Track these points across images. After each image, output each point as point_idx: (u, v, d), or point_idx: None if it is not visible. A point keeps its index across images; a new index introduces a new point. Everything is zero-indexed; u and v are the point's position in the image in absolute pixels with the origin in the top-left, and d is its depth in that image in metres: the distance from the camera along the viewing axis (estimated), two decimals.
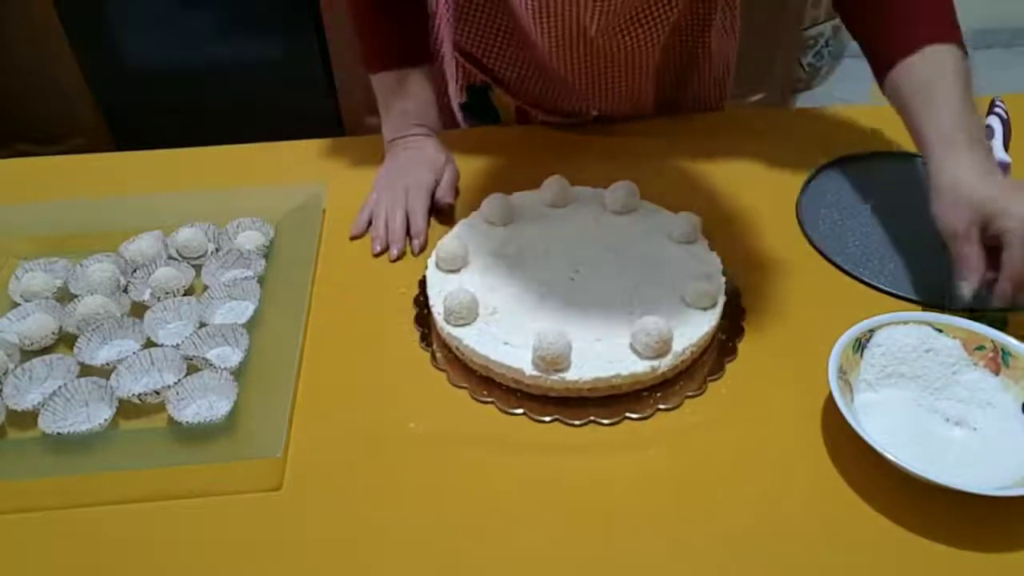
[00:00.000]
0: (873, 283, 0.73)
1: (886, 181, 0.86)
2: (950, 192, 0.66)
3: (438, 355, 0.68)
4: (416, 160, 0.86)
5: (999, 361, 0.61)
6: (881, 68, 0.75)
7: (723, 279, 0.70)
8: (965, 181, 0.65)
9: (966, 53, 0.72)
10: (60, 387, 0.62)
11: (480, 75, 0.95)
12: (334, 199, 0.85)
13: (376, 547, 0.54)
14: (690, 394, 0.63)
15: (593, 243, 0.74)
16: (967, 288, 0.64)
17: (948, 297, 0.67)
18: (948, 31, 0.72)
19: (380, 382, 0.66)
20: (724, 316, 0.68)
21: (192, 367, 0.65)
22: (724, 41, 0.95)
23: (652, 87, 0.93)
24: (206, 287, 0.73)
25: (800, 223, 0.81)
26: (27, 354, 0.68)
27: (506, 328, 0.65)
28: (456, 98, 1.00)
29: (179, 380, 0.63)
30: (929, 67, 0.71)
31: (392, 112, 0.88)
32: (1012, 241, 0.62)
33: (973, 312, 0.64)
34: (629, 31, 0.83)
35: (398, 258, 0.78)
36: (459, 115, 1.02)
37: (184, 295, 0.73)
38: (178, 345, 0.67)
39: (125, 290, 0.74)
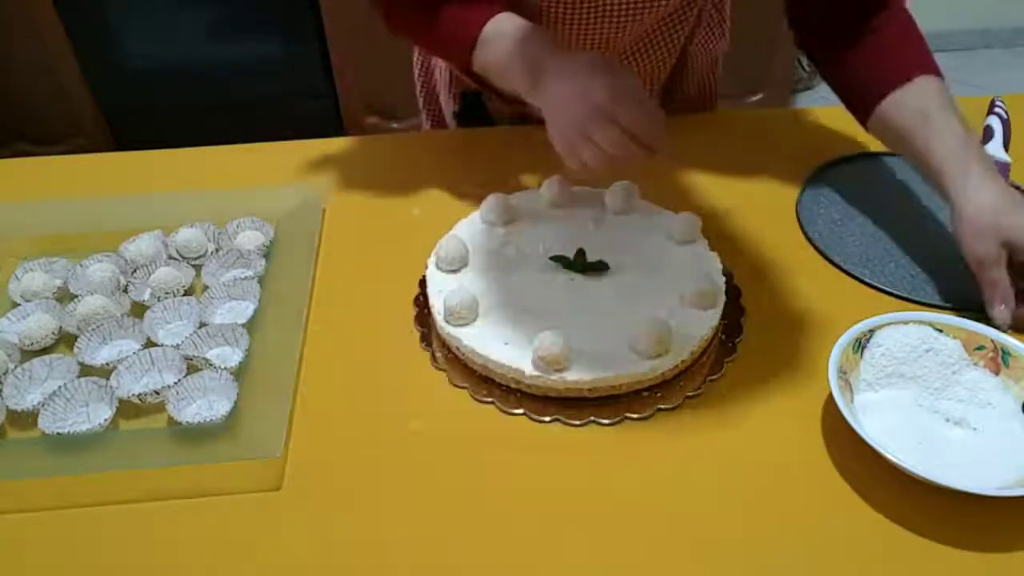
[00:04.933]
0: (873, 283, 0.73)
1: (886, 181, 0.86)
2: (976, 218, 0.66)
3: (438, 355, 0.68)
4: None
5: (999, 361, 0.61)
6: (870, 100, 0.76)
7: (723, 279, 0.70)
8: (989, 207, 0.66)
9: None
10: (60, 387, 0.62)
11: (472, 82, 0.94)
12: (334, 199, 0.85)
13: (376, 547, 0.54)
14: (690, 394, 0.63)
15: (593, 243, 0.74)
16: (1005, 312, 0.65)
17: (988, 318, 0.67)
18: (932, 63, 0.75)
19: (380, 382, 0.66)
20: (724, 316, 0.68)
21: (192, 367, 0.65)
22: (710, 44, 0.95)
23: (658, 92, 0.93)
24: (206, 287, 0.73)
25: (800, 223, 0.81)
26: (27, 354, 0.68)
27: (506, 328, 0.65)
28: (448, 106, 0.99)
29: (179, 380, 0.63)
30: (923, 95, 0.73)
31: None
32: None
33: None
34: (636, 59, 0.84)
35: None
36: (451, 124, 1.01)
37: (184, 295, 0.73)
38: (178, 345, 0.67)
39: (125, 290, 0.74)
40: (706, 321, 0.66)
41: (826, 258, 0.76)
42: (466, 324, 0.66)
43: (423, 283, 0.73)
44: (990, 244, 0.65)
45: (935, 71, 0.74)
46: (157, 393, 0.62)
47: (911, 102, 0.73)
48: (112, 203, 0.85)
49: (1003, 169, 0.86)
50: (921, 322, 0.63)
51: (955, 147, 0.69)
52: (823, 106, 0.98)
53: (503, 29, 0.73)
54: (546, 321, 0.65)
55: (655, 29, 0.84)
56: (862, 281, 0.73)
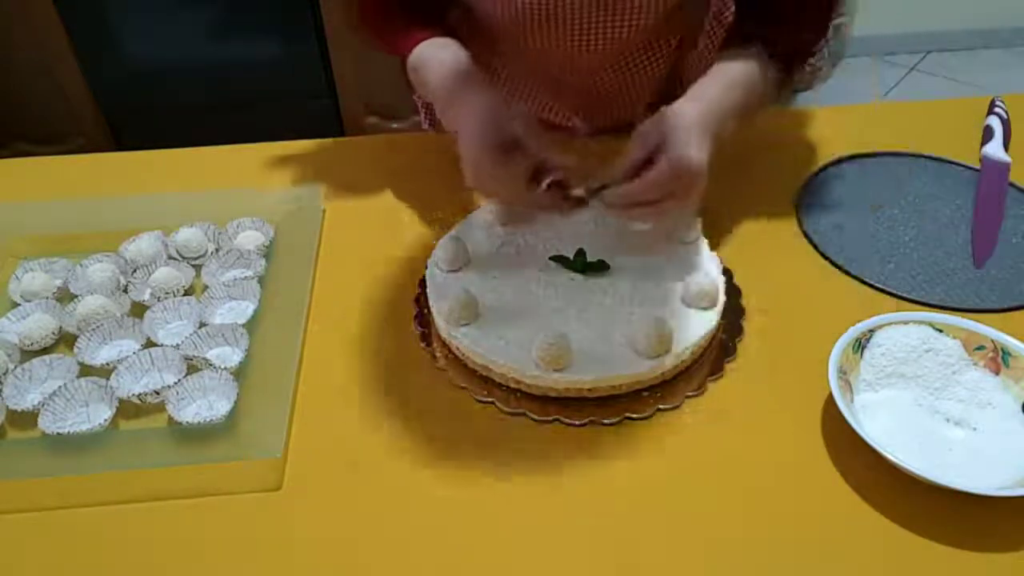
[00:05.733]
0: (873, 283, 0.73)
1: (886, 181, 0.86)
2: (660, 114, 0.66)
3: (438, 355, 0.68)
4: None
5: (999, 361, 0.61)
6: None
7: (723, 279, 0.70)
8: (676, 110, 0.66)
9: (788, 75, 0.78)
10: (60, 387, 0.62)
11: None
12: (334, 199, 0.85)
13: (376, 547, 0.54)
14: (690, 394, 0.63)
15: (593, 243, 0.74)
16: (598, 183, 0.67)
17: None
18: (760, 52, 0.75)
19: (380, 382, 0.66)
20: (724, 316, 0.68)
21: (192, 367, 0.65)
22: (712, 58, 0.95)
23: (644, 107, 0.94)
24: (206, 287, 0.73)
25: (800, 223, 0.81)
26: (27, 354, 0.68)
27: (506, 328, 0.65)
28: None
29: (179, 380, 0.63)
30: (732, 62, 0.74)
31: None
32: (660, 163, 0.63)
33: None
34: (622, 72, 0.84)
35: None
36: None
37: (184, 295, 0.73)
38: (178, 345, 0.67)
39: (125, 290, 0.74)
40: (706, 321, 0.66)
41: (826, 258, 0.76)
42: (466, 324, 0.66)
43: (423, 283, 0.73)
44: (651, 128, 0.65)
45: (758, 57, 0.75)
46: (157, 393, 0.62)
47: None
48: (112, 203, 0.85)
49: (1003, 169, 0.86)
50: (921, 322, 0.63)
51: (698, 90, 0.71)
52: (823, 106, 0.98)
53: (426, 57, 0.75)
54: (546, 321, 0.66)
55: (635, 49, 0.83)
56: (862, 281, 0.73)
